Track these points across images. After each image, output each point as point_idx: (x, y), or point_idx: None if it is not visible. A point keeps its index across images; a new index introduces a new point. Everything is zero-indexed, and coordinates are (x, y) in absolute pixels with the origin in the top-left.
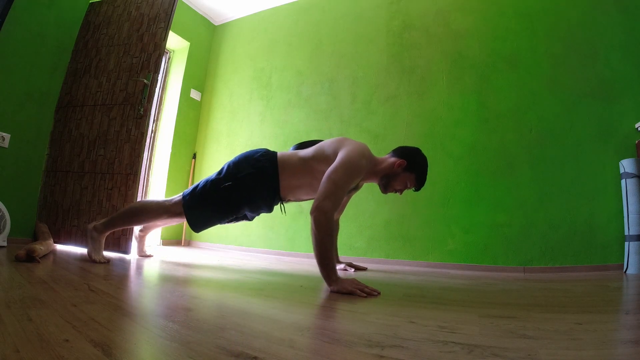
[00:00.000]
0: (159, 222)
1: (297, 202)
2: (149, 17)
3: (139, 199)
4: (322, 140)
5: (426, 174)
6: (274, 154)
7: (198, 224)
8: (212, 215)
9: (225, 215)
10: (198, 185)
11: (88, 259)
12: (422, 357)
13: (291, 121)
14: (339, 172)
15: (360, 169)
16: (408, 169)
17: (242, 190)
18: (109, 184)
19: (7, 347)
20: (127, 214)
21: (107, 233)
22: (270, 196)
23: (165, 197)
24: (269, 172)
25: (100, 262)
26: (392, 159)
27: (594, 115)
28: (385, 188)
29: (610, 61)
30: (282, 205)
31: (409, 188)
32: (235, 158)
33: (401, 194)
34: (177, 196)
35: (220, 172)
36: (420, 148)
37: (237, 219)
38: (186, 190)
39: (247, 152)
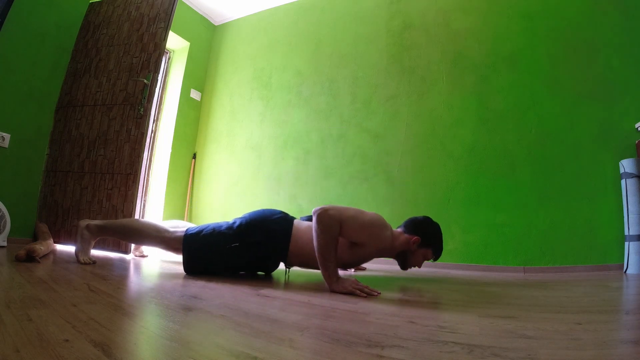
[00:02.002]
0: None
1: (297, 206)
2: (149, 17)
3: (137, 203)
4: None
5: (442, 244)
6: (291, 221)
7: (193, 267)
8: (210, 266)
9: (222, 269)
10: (204, 229)
11: (74, 259)
12: (422, 357)
13: (291, 121)
14: (358, 213)
15: (380, 232)
16: (423, 244)
17: (247, 254)
18: (109, 184)
19: (7, 347)
20: (123, 229)
21: (99, 237)
22: (274, 263)
23: (165, 199)
24: (280, 239)
25: (85, 263)
26: (405, 236)
27: (594, 115)
28: (405, 266)
29: (610, 61)
30: (287, 272)
31: (428, 260)
32: (249, 216)
33: (420, 267)
34: (179, 231)
35: (230, 227)
36: (420, 148)
37: (232, 274)
38: (190, 228)
39: (263, 212)
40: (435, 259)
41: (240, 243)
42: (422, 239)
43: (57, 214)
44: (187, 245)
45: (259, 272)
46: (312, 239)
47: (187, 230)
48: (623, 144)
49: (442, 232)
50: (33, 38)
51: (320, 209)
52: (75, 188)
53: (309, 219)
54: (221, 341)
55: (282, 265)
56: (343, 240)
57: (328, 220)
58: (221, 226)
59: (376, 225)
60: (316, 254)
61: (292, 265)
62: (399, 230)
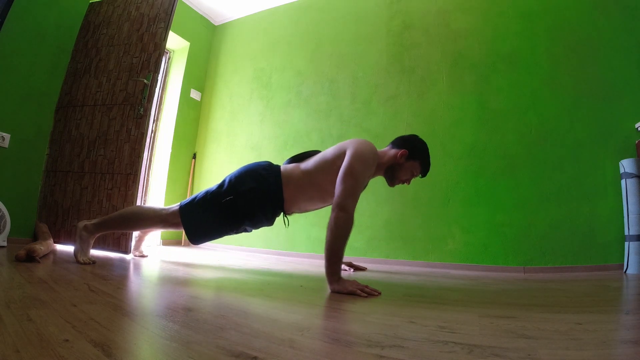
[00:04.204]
0: (153, 230)
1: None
2: (149, 17)
3: (138, 202)
4: (317, 151)
5: (429, 158)
6: (277, 167)
7: (196, 236)
8: (211, 228)
9: (225, 228)
10: (197, 196)
11: (74, 259)
12: (422, 357)
13: (291, 121)
14: (355, 167)
15: (372, 160)
16: (411, 157)
17: (243, 204)
18: (109, 184)
19: (7, 347)
20: (121, 218)
21: (98, 234)
22: (272, 210)
23: (165, 199)
24: (273, 186)
25: (84, 264)
26: (393, 151)
27: (594, 115)
28: (392, 180)
29: (610, 61)
30: (285, 218)
31: (416, 176)
32: (237, 171)
33: (409, 183)
34: (174, 206)
35: (221, 185)
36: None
37: (236, 232)
38: (184, 200)
39: (249, 165)
40: (423, 175)
41: (234, 195)
42: (410, 152)
43: (57, 214)
44: (184, 216)
45: (262, 226)
46: (302, 178)
47: (180, 203)
48: (623, 144)
49: (442, 232)
50: (33, 38)
51: (339, 205)
52: (75, 188)
53: (292, 161)
54: (221, 341)
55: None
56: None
57: (345, 220)
58: (212, 188)
59: (368, 158)
60: (325, 247)
61: (291, 211)
62: (387, 147)
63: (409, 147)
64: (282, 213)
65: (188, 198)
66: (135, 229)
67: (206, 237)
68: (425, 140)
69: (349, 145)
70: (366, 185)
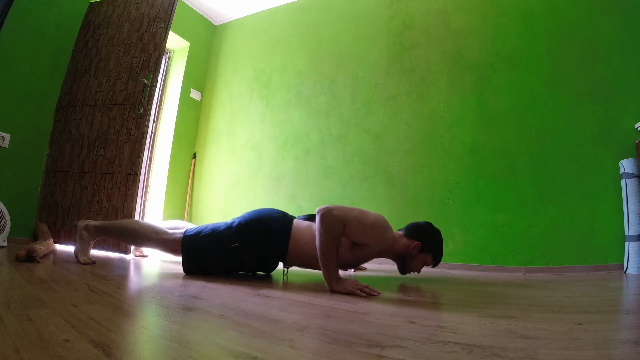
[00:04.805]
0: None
1: (297, 206)
2: (149, 17)
3: (137, 202)
4: None
5: (442, 251)
6: (290, 220)
7: (192, 268)
8: (210, 265)
9: (222, 268)
10: (203, 230)
11: (74, 259)
12: (422, 357)
13: (291, 121)
14: (362, 214)
15: (382, 233)
16: (423, 250)
17: (247, 254)
18: (109, 184)
19: (7, 347)
20: (122, 230)
21: (98, 238)
22: (273, 263)
23: (165, 199)
24: (280, 238)
25: (85, 263)
26: (406, 240)
27: (594, 115)
28: (404, 270)
29: (610, 61)
30: (285, 271)
31: (427, 265)
32: (248, 215)
33: (419, 272)
34: (177, 232)
35: (229, 227)
36: (420, 148)
37: (231, 272)
38: (189, 229)
39: (263, 212)
40: (434, 266)
41: (240, 243)
42: (423, 244)
43: (57, 214)
44: (186, 247)
45: (258, 272)
46: (311, 239)
47: (185, 231)
48: (623, 144)
49: (442, 232)
50: (33, 38)
51: (325, 208)
52: (75, 188)
53: (307, 218)
54: (221, 341)
55: (280, 266)
56: (345, 240)
57: (332, 220)
58: (220, 226)
59: (379, 227)
60: (318, 253)
61: (291, 265)
62: (400, 233)
63: (422, 239)
64: (282, 265)
65: (193, 229)
66: (134, 245)
67: (201, 271)
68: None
69: (371, 212)
70: (370, 258)
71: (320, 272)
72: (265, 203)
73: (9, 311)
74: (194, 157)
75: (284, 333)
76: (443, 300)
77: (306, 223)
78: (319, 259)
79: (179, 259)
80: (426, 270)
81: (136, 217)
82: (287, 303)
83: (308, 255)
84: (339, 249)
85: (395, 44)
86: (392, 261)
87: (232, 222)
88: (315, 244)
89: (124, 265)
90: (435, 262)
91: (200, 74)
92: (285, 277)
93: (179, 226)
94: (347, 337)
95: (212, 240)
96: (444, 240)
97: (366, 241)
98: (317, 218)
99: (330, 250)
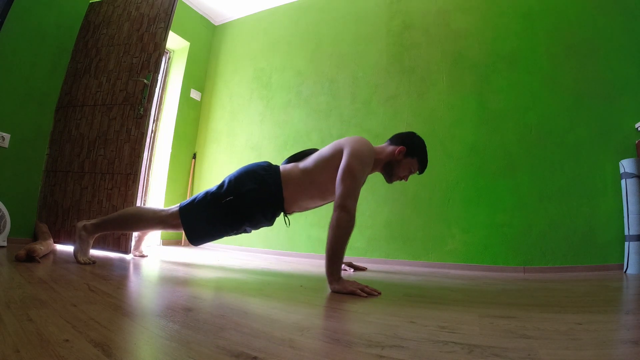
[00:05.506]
0: (153, 231)
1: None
2: (149, 17)
3: (138, 203)
4: (314, 150)
5: (427, 155)
6: (277, 168)
7: (196, 236)
8: (211, 228)
9: (225, 228)
10: (197, 197)
11: (74, 259)
12: (422, 357)
13: (291, 121)
14: (353, 166)
15: (370, 158)
16: (409, 154)
17: (243, 205)
18: (109, 184)
19: (7, 347)
20: (120, 219)
21: (97, 235)
22: (272, 211)
23: (165, 200)
24: (272, 187)
25: (84, 264)
26: (391, 147)
27: (594, 115)
28: (390, 177)
29: (610, 61)
30: (286, 218)
31: (414, 172)
32: (236, 172)
33: (407, 180)
34: (174, 207)
35: (221, 186)
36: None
37: (237, 233)
38: (183, 201)
39: (248, 166)
40: (420, 171)
41: (234, 195)
42: (408, 149)
43: (57, 214)
44: (184, 217)
45: (263, 226)
46: (301, 177)
47: (180, 203)
48: (623, 144)
49: (442, 232)
50: (33, 38)
51: (341, 205)
52: (75, 188)
53: (290, 161)
54: (221, 341)
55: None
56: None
57: (348, 219)
58: (212, 188)
59: (368, 158)
60: (326, 246)
61: (291, 211)
62: (385, 144)
63: (407, 144)
64: (282, 213)
65: (188, 199)
66: (135, 230)
67: (206, 238)
68: (424, 139)
69: (345, 143)
70: (364, 181)
71: (322, 271)
72: None
73: (9, 311)
74: (194, 157)
75: (284, 333)
76: (443, 300)
77: (290, 165)
78: (326, 252)
79: (179, 258)
80: (426, 270)
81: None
82: (287, 303)
83: (304, 196)
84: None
85: (395, 44)
86: (393, 260)
87: (223, 182)
88: (306, 181)
89: (124, 265)
90: (422, 167)
91: (200, 74)
92: (287, 223)
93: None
94: (347, 337)
95: (207, 202)
96: (443, 240)
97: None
98: (335, 214)
99: (340, 248)
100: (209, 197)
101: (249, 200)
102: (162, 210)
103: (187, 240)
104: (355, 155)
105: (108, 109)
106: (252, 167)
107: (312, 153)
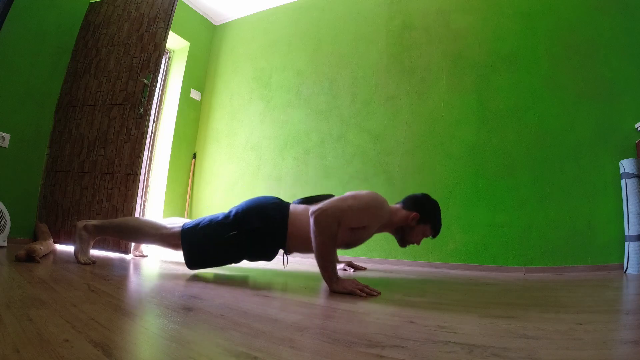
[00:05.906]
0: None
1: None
2: (149, 17)
3: (138, 203)
4: (331, 195)
5: (441, 221)
6: (287, 207)
7: (194, 262)
8: (210, 257)
9: (223, 259)
10: (201, 222)
11: (74, 259)
12: (422, 357)
13: (291, 121)
14: (355, 201)
15: (378, 211)
16: (422, 220)
17: (246, 241)
18: (109, 184)
19: (7, 347)
20: (121, 228)
21: (97, 237)
22: (273, 250)
23: (165, 199)
24: (278, 225)
25: (84, 263)
26: (405, 212)
27: (594, 115)
28: (404, 242)
29: (610, 61)
30: (285, 257)
31: (426, 237)
32: (245, 204)
33: (419, 244)
34: (176, 226)
35: (227, 217)
36: (420, 148)
37: (235, 263)
38: (187, 222)
39: (258, 200)
40: (433, 236)
41: (239, 231)
42: (421, 215)
43: (57, 214)
44: (185, 240)
45: (260, 260)
46: (309, 222)
47: (183, 225)
48: (623, 144)
49: (442, 232)
50: (33, 38)
51: (318, 209)
52: (75, 188)
53: (302, 202)
54: (221, 341)
55: (280, 260)
56: (343, 225)
57: (325, 220)
58: (217, 217)
59: (375, 207)
60: (315, 255)
61: (292, 251)
62: (398, 205)
63: (420, 210)
64: (283, 251)
65: (191, 221)
66: (133, 241)
67: (204, 265)
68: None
69: (361, 192)
70: (371, 235)
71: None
72: None
73: (9, 311)
74: (194, 157)
75: (284, 333)
76: (443, 300)
77: (302, 206)
78: (316, 260)
79: (180, 258)
80: (426, 270)
81: (135, 216)
82: (287, 303)
83: (308, 240)
84: (336, 248)
85: (395, 44)
86: (393, 260)
87: (230, 212)
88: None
89: (123, 265)
90: (435, 233)
91: (200, 74)
92: (285, 263)
93: (178, 222)
94: (347, 337)
95: (211, 231)
96: (443, 240)
97: (366, 223)
98: (311, 220)
99: (327, 251)
100: (213, 225)
101: (252, 239)
102: (164, 228)
103: None
104: (368, 196)
105: (108, 109)
106: (261, 202)
107: (326, 198)
